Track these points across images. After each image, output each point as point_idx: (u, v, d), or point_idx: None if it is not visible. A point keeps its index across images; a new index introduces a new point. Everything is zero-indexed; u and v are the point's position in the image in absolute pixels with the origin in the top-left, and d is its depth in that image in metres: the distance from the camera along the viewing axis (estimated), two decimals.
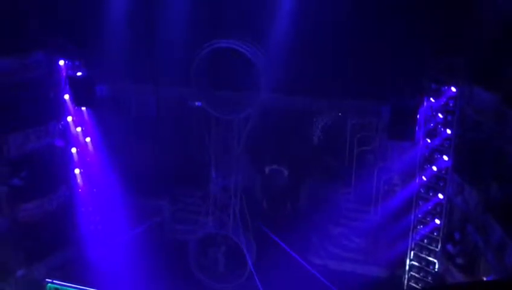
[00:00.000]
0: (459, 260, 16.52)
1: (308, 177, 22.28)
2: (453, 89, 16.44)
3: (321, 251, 21.53)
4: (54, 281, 18.88)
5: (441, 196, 17.51)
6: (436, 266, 17.90)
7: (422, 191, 17.99)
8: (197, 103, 18.93)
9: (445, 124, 16.88)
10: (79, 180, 21.41)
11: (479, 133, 15.44)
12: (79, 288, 18.59)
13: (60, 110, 20.40)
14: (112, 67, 20.10)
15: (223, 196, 20.18)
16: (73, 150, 21.07)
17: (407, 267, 18.89)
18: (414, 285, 18.65)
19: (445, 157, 17.04)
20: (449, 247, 17.17)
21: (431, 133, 17.33)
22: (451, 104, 16.62)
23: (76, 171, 21.30)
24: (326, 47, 17.62)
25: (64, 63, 20.09)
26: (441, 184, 17.43)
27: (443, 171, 17.31)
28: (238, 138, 19.28)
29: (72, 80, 19.76)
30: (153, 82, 19.42)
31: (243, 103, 19.02)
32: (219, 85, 19.14)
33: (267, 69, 17.85)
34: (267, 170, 22.79)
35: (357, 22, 16.94)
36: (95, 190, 21.92)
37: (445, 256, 17.28)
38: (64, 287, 18.83)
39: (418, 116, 16.71)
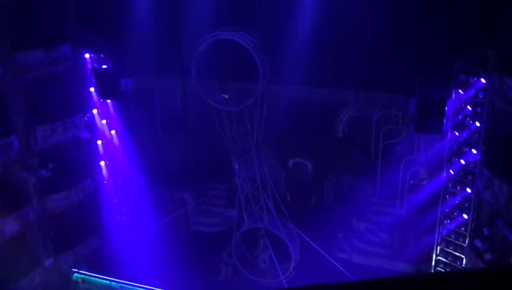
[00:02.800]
0: (488, 256, 16.13)
1: (333, 171, 22.05)
2: (483, 80, 15.95)
3: (346, 245, 21.34)
4: (81, 271, 19.18)
5: (469, 190, 17.09)
6: (464, 262, 17.54)
7: (450, 185, 17.60)
8: (223, 95, 18.79)
9: (474, 116, 16.36)
10: (104, 172, 21.68)
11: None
12: (104, 278, 18.82)
13: (86, 103, 20.62)
14: (137, 61, 20.25)
15: (250, 188, 19.95)
16: (99, 142, 21.33)
17: (433, 263, 18.56)
18: None
19: (474, 151, 16.61)
20: (477, 242, 16.76)
21: (459, 126, 16.83)
22: (480, 96, 16.08)
23: (102, 163, 21.57)
24: (352, 40, 17.40)
25: (90, 56, 20.29)
26: (469, 178, 16.99)
27: (471, 165, 16.85)
28: (252, 130, 18.99)
29: (97, 72, 19.93)
30: (177, 76, 19.47)
31: (240, 95, 18.81)
32: (216, 77, 18.95)
33: (266, 61, 17.53)
34: (290, 163, 22.64)
35: (384, 14, 16.69)
36: (120, 182, 22.18)
37: (473, 251, 16.88)
38: (90, 278, 19.10)
39: (446, 109, 16.30)
